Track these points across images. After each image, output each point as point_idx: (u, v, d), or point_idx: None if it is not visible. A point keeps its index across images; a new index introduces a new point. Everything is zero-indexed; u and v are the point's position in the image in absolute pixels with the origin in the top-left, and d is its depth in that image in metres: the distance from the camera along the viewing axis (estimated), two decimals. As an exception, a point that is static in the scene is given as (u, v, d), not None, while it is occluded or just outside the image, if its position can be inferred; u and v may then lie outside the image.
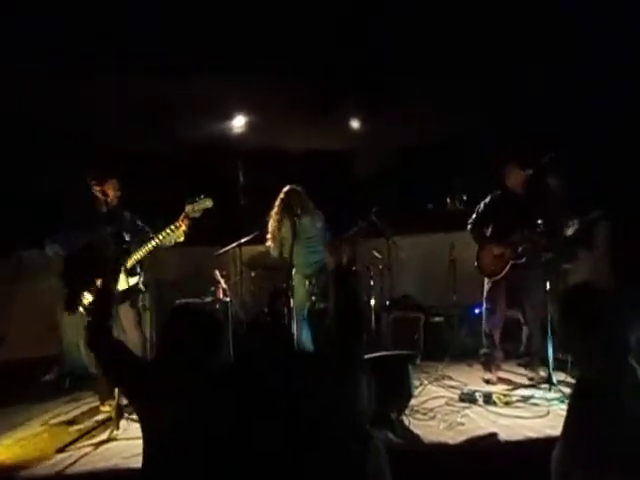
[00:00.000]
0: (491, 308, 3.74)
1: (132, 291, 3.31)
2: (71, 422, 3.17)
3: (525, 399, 3.17)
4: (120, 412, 2.93)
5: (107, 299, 1.87)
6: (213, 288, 4.82)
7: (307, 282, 4.03)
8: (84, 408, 3.45)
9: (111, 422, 3.02)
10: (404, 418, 2.84)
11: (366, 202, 5.36)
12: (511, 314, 4.06)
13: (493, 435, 2.61)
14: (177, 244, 3.40)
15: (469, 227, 3.92)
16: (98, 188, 3.28)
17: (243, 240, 4.89)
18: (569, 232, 3.41)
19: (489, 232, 3.82)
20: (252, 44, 4.47)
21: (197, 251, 5.21)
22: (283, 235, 3.97)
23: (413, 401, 3.03)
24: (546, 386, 3.31)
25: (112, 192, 3.33)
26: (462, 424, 2.82)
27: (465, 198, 6.73)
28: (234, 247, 4.91)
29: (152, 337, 3.70)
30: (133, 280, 3.30)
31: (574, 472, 1.37)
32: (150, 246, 3.25)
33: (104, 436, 2.85)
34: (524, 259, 3.57)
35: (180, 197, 3.63)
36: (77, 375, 4.04)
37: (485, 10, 4.03)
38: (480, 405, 3.13)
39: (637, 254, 4.07)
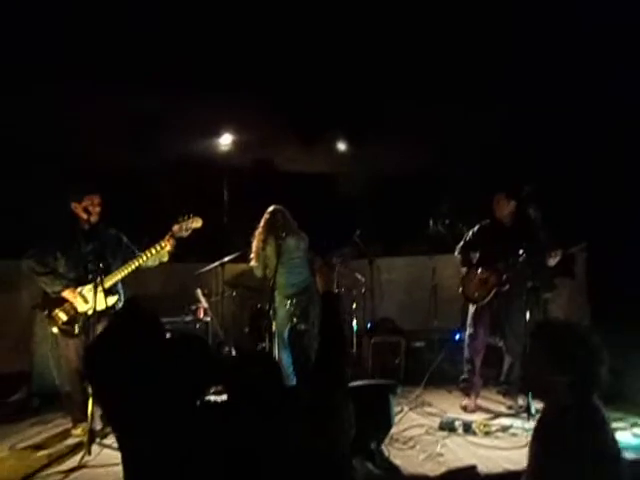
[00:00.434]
0: (473, 334, 3.77)
1: (110, 310, 3.19)
2: (40, 446, 3.04)
3: (504, 429, 3.18)
4: (92, 437, 2.83)
5: None
6: (194, 307, 4.76)
7: (288, 303, 4.01)
8: (54, 431, 3.32)
9: (82, 447, 2.92)
10: (384, 448, 2.82)
11: (349, 224, 5.41)
12: (492, 341, 4.10)
13: (473, 467, 2.60)
14: (161, 263, 3.35)
15: (457, 252, 3.99)
16: (76, 204, 3.18)
17: (226, 259, 4.85)
18: (552, 262, 3.47)
19: (476, 259, 3.89)
20: (239, 66, 4.50)
21: (180, 267, 5.14)
22: (267, 255, 3.95)
23: (393, 429, 3.01)
24: (525, 415, 3.32)
25: (92, 208, 3.21)
26: (441, 455, 2.81)
27: (448, 222, 6.85)
28: (217, 266, 4.86)
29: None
30: (112, 299, 3.20)
31: None
32: (133, 266, 3.17)
33: (74, 462, 2.74)
34: (507, 287, 3.63)
35: (164, 214, 3.58)
36: (47, 394, 3.91)
37: (467, 40, 4.14)
38: (459, 434, 3.12)
39: (612, 285, 4.17)
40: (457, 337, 4.74)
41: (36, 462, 2.77)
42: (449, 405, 3.77)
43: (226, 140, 5.89)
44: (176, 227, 3.14)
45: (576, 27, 3.65)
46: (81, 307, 3.14)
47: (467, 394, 3.77)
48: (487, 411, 3.63)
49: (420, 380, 4.16)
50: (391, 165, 6.29)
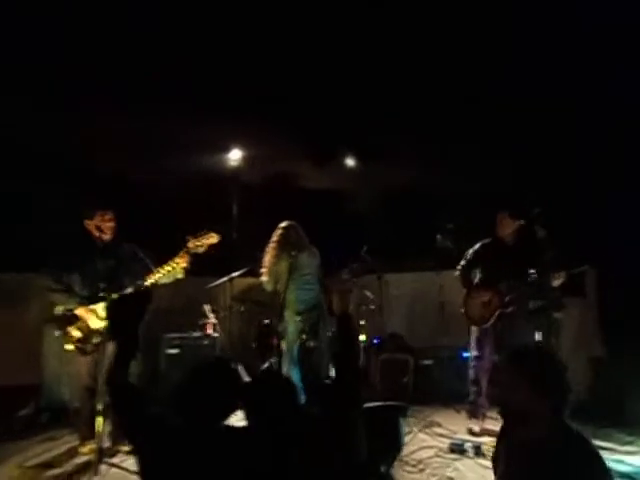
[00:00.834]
0: (478, 355, 3.75)
1: None
2: (49, 465, 3.04)
3: (515, 452, 3.14)
4: (100, 456, 2.83)
5: (133, 345, 1.75)
6: (202, 322, 4.76)
7: (298, 319, 4.00)
8: (62, 448, 3.31)
9: (91, 466, 2.91)
10: (393, 470, 2.79)
11: (356, 240, 5.42)
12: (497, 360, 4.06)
13: (484, 492, 2.57)
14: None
15: (457, 273, 3.96)
16: (88, 222, 3.20)
17: (235, 274, 4.86)
18: (556, 283, 3.46)
19: (477, 278, 3.86)
20: (252, 84, 4.57)
21: (188, 282, 5.13)
22: (279, 270, 3.93)
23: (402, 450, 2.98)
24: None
25: (104, 225, 3.22)
26: (452, 479, 2.77)
27: (455, 237, 6.85)
28: (226, 281, 4.87)
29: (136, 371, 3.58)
30: None
31: None
32: (147, 284, 3.12)
33: (83, 482, 2.73)
34: (511, 308, 3.60)
35: (176, 229, 3.59)
36: (55, 409, 3.92)
37: (467, 42, 4.16)
38: (470, 457, 3.09)
39: (623, 302, 4.14)
40: (465, 355, 4.69)
41: (45, 481, 2.76)
42: (458, 426, 3.72)
43: (235, 155, 5.95)
44: (191, 243, 3.08)
45: (576, 27, 3.65)
46: (94, 325, 3.13)
47: (474, 416, 3.72)
48: (494, 434, 3.57)
49: (429, 399, 4.14)
50: (398, 182, 6.33)
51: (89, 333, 3.15)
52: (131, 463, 2.96)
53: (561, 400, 1.48)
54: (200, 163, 5.83)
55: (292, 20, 3.73)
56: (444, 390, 4.43)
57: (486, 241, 3.86)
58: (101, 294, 3.05)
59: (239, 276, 4.91)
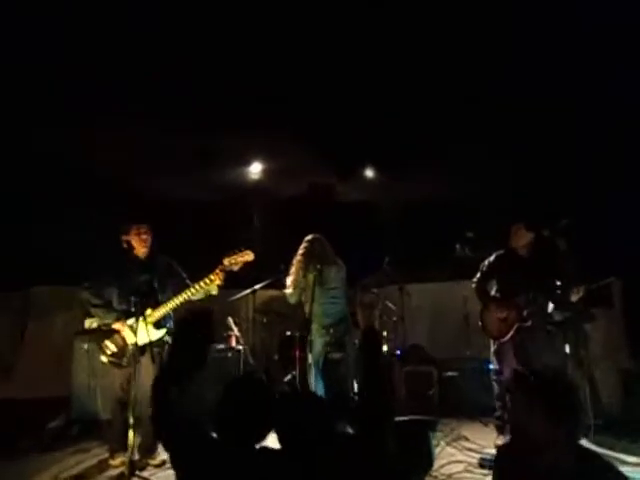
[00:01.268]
0: (499, 369, 3.70)
1: (156, 343, 3.22)
2: (81, 477, 3.09)
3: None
4: (132, 469, 2.86)
5: (191, 366, 1.71)
6: (226, 334, 4.80)
7: (324, 332, 3.99)
8: (93, 460, 3.36)
9: (122, 478, 2.96)
10: (423, 486, 2.76)
11: (378, 251, 5.43)
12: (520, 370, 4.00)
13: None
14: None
15: (474, 285, 3.92)
16: (125, 236, 3.24)
17: (258, 286, 4.90)
18: (574, 298, 3.39)
19: (493, 291, 3.81)
20: (274, 98, 4.65)
21: (211, 294, 5.22)
22: (305, 283, 3.92)
23: (431, 465, 2.95)
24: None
25: (140, 239, 3.26)
26: (483, 495, 2.74)
27: (475, 246, 6.80)
28: (249, 293, 4.91)
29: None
30: (159, 333, 3.22)
31: None
32: (181, 299, 3.16)
33: (115, 494, 2.78)
34: (530, 322, 3.54)
35: (196, 242, 3.64)
36: (85, 421, 3.98)
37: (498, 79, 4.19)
38: (500, 472, 3.03)
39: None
40: (490, 366, 4.63)
41: (79, 494, 2.81)
42: (486, 440, 3.66)
43: (256, 169, 6.03)
44: (226, 261, 3.10)
45: (576, 27, 3.64)
46: (130, 339, 3.18)
47: (502, 432, 3.64)
48: None
49: (454, 411, 4.10)
50: (417, 192, 6.34)
51: (124, 347, 3.20)
52: (161, 476, 3.01)
53: (575, 425, 1.46)
54: (222, 176, 5.93)
55: (316, 37, 3.81)
56: (470, 402, 4.37)
57: (500, 253, 3.81)
58: (136, 309, 3.07)
59: (261, 288, 4.95)
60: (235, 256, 3.11)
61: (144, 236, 3.27)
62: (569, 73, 4.06)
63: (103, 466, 3.23)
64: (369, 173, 6.13)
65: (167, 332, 3.30)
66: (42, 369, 5.25)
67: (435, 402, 4.38)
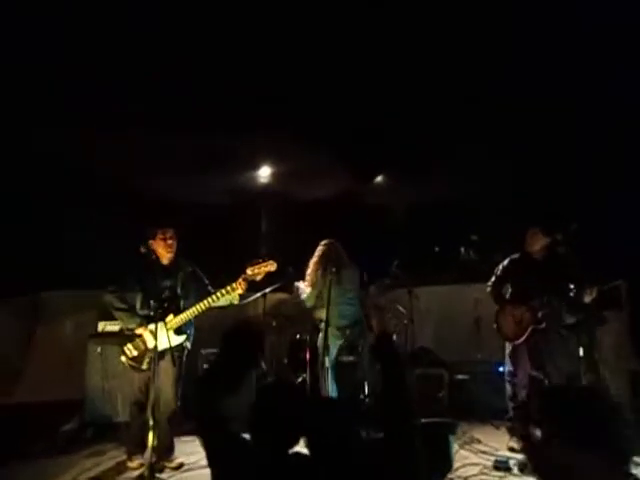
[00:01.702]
0: (513, 371, 3.73)
1: (176, 349, 3.23)
2: (100, 479, 3.11)
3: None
4: (153, 472, 2.88)
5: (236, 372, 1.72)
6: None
7: (339, 334, 4.01)
8: (110, 463, 3.38)
9: (140, 480, 2.99)
10: (442, 488, 2.79)
11: (387, 254, 5.45)
12: (538, 375, 4.02)
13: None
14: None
15: (489, 289, 3.95)
16: (151, 241, 3.24)
17: (268, 290, 4.92)
18: (587, 299, 3.43)
19: (508, 294, 3.84)
20: (283, 103, 4.68)
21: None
22: (321, 286, 3.95)
23: (446, 468, 2.97)
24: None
25: (165, 243, 3.25)
26: (501, 497, 2.76)
27: (479, 249, 6.84)
28: (259, 296, 4.93)
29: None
30: (179, 339, 3.25)
31: None
32: (203, 307, 3.17)
33: (136, 496, 2.80)
34: (544, 324, 3.57)
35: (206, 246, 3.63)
36: (99, 424, 4.00)
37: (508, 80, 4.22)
38: (516, 474, 3.06)
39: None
40: (501, 369, 4.66)
41: (100, 496, 2.83)
42: (499, 443, 3.68)
43: (265, 172, 6.06)
44: (249, 271, 3.12)
45: (576, 27, 3.66)
46: (150, 344, 3.18)
47: (514, 434, 3.66)
48: None
49: (465, 414, 4.12)
50: (423, 196, 6.37)
51: (145, 352, 3.22)
52: (180, 478, 3.03)
53: (615, 445, 1.18)
54: (230, 180, 5.95)
55: (317, 41, 3.84)
56: (480, 405, 4.39)
57: (514, 256, 3.84)
58: (156, 314, 3.08)
59: (270, 292, 4.97)
60: (258, 266, 3.12)
61: (170, 241, 3.27)
62: (569, 73, 4.09)
63: (121, 468, 3.25)
64: (378, 177, 6.17)
65: (187, 338, 3.33)
66: (51, 373, 5.25)
67: (445, 405, 4.40)
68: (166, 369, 3.16)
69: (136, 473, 3.14)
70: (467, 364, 4.76)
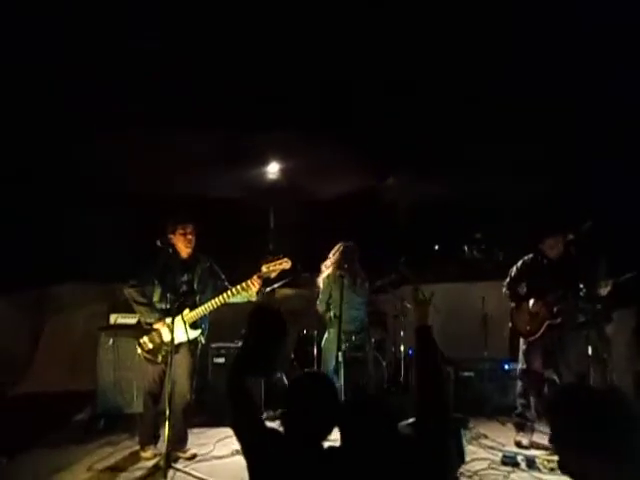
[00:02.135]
0: (525, 369, 3.76)
1: (191, 342, 3.29)
2: (116, 468, 3.15)
3: (569, 465, 3.16)
4: (168, 461, 2.93)
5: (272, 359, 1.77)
6: (244, 332, 4.85)
7: (344, 338, 4.02)
8: (124, 452, 3.43)
9: (154, 469, 3.05)
10: (454, 481, 2.83)
11: (393, 251, 5.50)
12: (548, 374, 4.06)
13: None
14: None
15: (504, 290, 3.98)
16: (171, 235, 3.27)
17: (276, 285, 4.96)
18: (603, 292, 3.46)
19: (524, 291, 3.87)
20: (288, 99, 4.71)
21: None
22: (335, 288, 4.01)
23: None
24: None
25: (185, 238, 3.28)
26: (511, 490, 2.82)
27: (483, 247, 6.88)
28: (269, 291, 4.97)
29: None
30: (195, 333, 3.29)
31: None
32: (219, 302, 3.22)
33: (153, 485, 2.85)
34: (560, 319, 3.62)
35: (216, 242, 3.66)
36: (111, 415, 4.05)
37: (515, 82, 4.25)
38: (524, 470, 3.12)
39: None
40: (506, 367, 4.71)
41: (118, 485, 2.89)
42: (505, 438, 3.74)
43: (273, 169, 6.09)
44: (264, 268, 3.15)
45: (576, 27, 3.68)
46: (166, 337, 3.22)
47: (521, 429, 3.71)
48: (544, 447, 3.51)
49: (471, 411, 4.17)
50: (428, 193, 6.40)
51: (161, 345, 3.27)
52: (193, 468, 3.09)
53: (623, 450, 1.19)
54: (239, 176, 5.98)
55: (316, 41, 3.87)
56: (486, 402, 4.46)
57: (527, 258, 3.86)
58: (172, 307, 3.12)
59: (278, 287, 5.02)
60: (273, 263, 3.16)
61: (189, 236, 3.30)
62: (569, 73, 4.11)
63: (134, 458, 3.30)
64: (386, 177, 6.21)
65: (202, 332, 3.38)
66: (60, 365, 5.32)
67: (451, 401, 4.45)
68: (181, 362, 3.21)
69: (150, 463, 3.19)
70: (473, 361, 4.81)
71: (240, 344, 4.53)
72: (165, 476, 2.87)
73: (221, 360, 4.46)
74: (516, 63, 4.10)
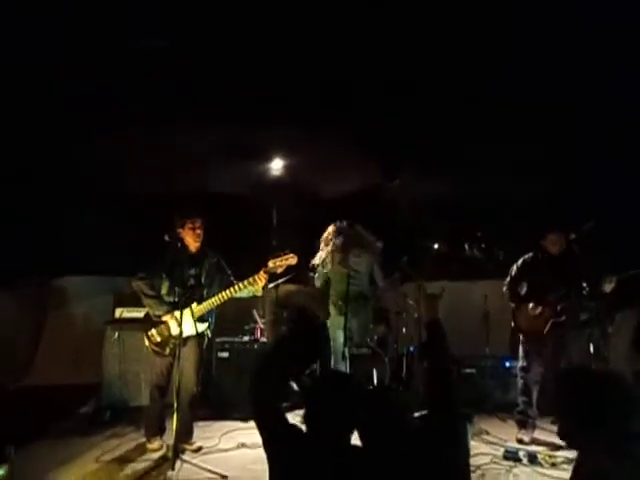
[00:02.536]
0: (526, 366, 3.79)
1: (199, 336, 3.32)
2: (124, 459, 3.19)
3: (570, 461, 3.19)
4: (176, 452, 2.96)
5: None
6: (248, 327, 4.90)
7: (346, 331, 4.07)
8: (131, 444, 3.46)
9: (162, 460, 3.09)
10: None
11: (396, 250, 5.53)
12: (548, 372, 4.10)
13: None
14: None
15: (504, 288, 4.01)
16: (180, 229, 3.30)
17: (280, 281, 5.00)
18: (607, 288, 3.48)
19: (524, 291, 3.88)
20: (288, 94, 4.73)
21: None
22: (332, 267, 4.08)
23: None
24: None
25: (193, 233, 3.32)
26: (514, 485, 2.86)
27: (483, 246, 6.92)
28: (272, 287, 5.01)
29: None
30: (202, 326, 3.32)
31: None
32: (225, 297, 3.25)
33: (161, 477, 2.88)
34: (564, 317, 3.64)
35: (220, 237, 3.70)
36: (116, 408, 4.08)
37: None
38: (525, 465, 3.17)
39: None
40: (507, 364, 4.76)
41: (126, 476, 2.92)
42: (507, 434, 3.78)
43: (276, 165, 6.10)
44: (271, 263, 3.18)
45: (576, 27, 3.70)
46: (175, 330, 3.25)
47: (523, 426, 3.75)
48: (545, 444, 3.58)
49: (471, 407, 4.21)
50: (430, 192, 6.43)
51: (168, 338, 3.30)
52: (200, 460, 3.12)
53: (619, 427, 1.37)
54: (242, 173, 5.99)
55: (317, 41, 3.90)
56: (487, 399, 4.51)
57: (527, 257, 3.88)
58: (180, 301, 3.14)
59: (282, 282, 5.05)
60: (280, 259, 3.19)
61: (198, 231, 3.33)
62: (569, 73, 4.13)
63: (141, 450, 3.33)
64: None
65: (208, 326, 3.40)
66: (63, 359, 5.34)
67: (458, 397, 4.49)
68: (189, 355, 3.24)
69: (157, 455, 3.22)
70: (475, 358, 4.85)
71: (246, 339, 4.67)
72: (173, 467, 2.91)
73: (225, 355, 4.48)
74: (516, 63, 4.13)
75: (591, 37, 3.66)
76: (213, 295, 3.29)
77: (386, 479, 1.52)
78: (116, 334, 4.22)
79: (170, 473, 2.90)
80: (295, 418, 1.78)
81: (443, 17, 3.83)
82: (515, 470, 3.07)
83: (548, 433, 3.80)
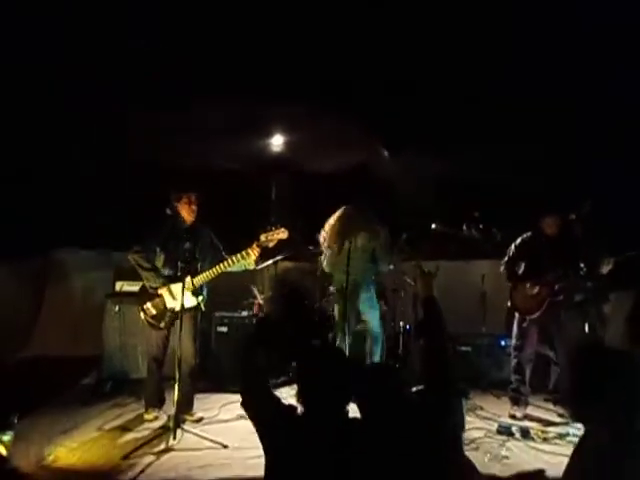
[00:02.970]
0: (520, 345, 3.84)
1: (193, 309, 3.36)
2: (125, 428, 3.25)
3: (561, 436, 3.29)
4: (177, 422, 3.02)
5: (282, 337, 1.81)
6: (250, 302, 4.93)
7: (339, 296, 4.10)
8: (132, 414, 3.53)
9: (162, 430, 3.15)
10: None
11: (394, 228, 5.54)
12: (541, 350, 4.17)
13: (541, 472, 2.73)
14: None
15: (502, 269, 4.03)
16: (176, 203, 3.33)
17: (279, 257, 5.01)
18: (604, 270, 3.51)
19: (521, 270, 3.91)
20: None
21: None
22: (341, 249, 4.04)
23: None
24: (578, 424, 3.41)
25: (189, 207, 3.35)
26: (507, 457, 2.94)
27: (481, 226, 6.93)
28: (270, 264, 5.02)
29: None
30: (196, 300, 3.34)
31: None
32: (219, 270, 3.28)
33: (162, 445, 2.94)
34: (561, 297, 3.67)
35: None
36: (116, 379, 4.14)
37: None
38: (518, 439, 3.25)
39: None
40: (503, 343, 4.82)
41: (127, 444, 2.98)
42: (500, 410, 3.86)
43: (277, 141, 6.05)
44: (262, 237, 3.22)
45: (576, 27, 3.67)
46: (170, 303, 3.29)
47: (516, 403, 3.82)
48: (537, 420, 3.67)
49: (466, 384, 4.29)
50: (428, 170, 6.41)
51: (164, 311, 3.33)
52: (200, 430, 3.18)
53: (618, 404, 1.40)
54: (241, 148, 5.94)
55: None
56: (482, 376, 4.58)
57: (526, 236, 3.90)
58: (176, 274, 3.19)
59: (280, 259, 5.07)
60: (271, 233, 3.23)
61: (193, 206, 3.36)
62: (569, 73, 4.10)
63: (143, 419, 3.39)
64: (384, 151, 6.19)
65: (202, 300, 3.43)
66: (63, 331, 5.38)
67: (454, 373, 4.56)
68: (184, 328, 3.26)
69: (153, 425, 3.29)
70: (470, 336, 4.90)
71: (244, 314, 4.71)
72: (174, 437, 2.97)
73: (224, 329, 4.53)
74: (516, 63, 4.09)
75: (591, 37, 3.64)
76: (207, 269, 3.31)
77: (385, 449, 1.55)
78: (116, 307, 4.25)
79: (172, 442, 2.96)
80: (290, 392, 1.80)
81: (443, 17, 3.79)
82: (508, 444, 3.15)
83: (540, 410, 3.91)
